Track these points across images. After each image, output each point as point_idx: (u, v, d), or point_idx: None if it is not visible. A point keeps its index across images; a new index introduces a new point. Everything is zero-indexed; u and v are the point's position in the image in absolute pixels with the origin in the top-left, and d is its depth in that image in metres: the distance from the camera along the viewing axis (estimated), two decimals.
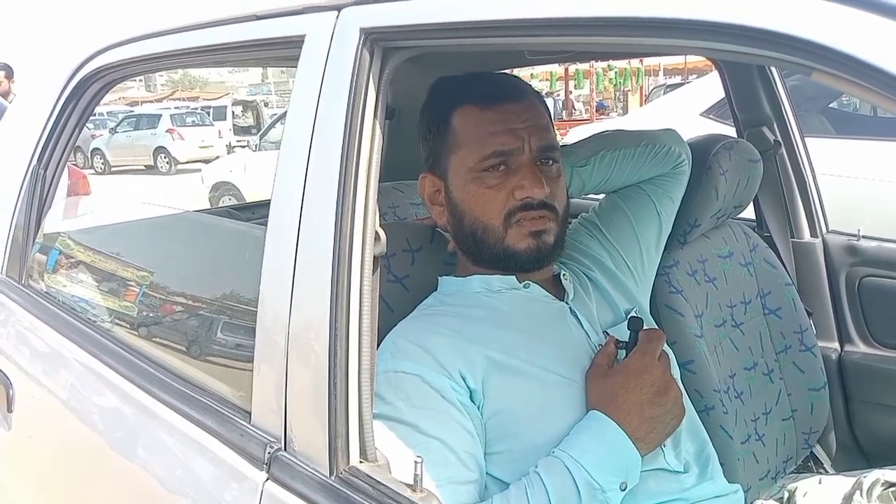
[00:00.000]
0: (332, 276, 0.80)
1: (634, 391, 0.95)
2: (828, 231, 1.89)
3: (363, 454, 0.79)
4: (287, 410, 0.83)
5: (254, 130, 16.33)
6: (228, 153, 15.99)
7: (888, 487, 1.57)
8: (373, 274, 0.84)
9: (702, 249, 1.60)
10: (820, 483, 1.68)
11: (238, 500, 0.85)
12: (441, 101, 1.13)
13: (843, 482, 1.64)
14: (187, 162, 16.83)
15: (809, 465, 1.83)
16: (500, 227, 1.06)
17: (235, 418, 0.90)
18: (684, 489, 1.03)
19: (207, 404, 0.94)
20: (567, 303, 1.12)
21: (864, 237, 1.82)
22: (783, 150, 1.82)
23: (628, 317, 1.10)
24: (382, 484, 0.75)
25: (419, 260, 1.23)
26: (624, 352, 1.03)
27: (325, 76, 0.87)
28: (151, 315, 1.25)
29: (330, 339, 0.79)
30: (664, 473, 1.03)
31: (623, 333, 1.08)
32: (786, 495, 1.61)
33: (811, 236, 1.87)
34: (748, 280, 1.71)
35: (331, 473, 0.78)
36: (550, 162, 1.09)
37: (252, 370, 0.87)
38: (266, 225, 0.92)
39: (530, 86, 1.16)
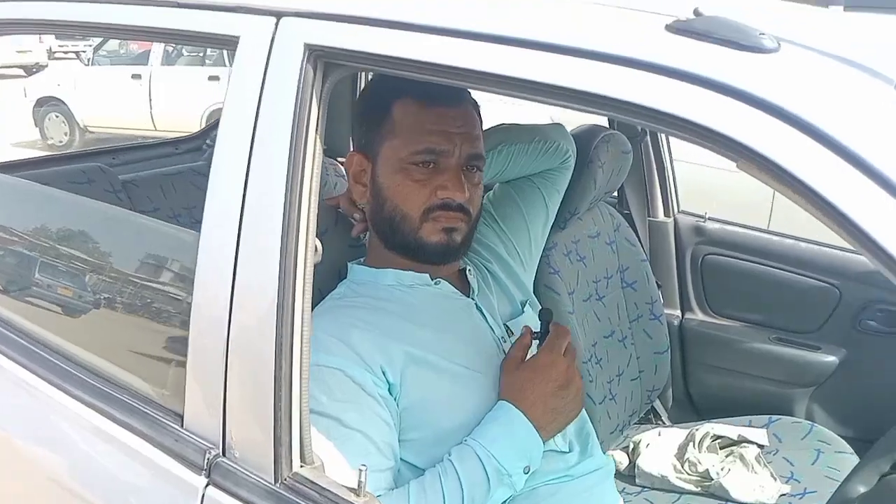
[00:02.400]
0: (279, 287, 0.82)
1: (540, 384, 1.06)
2: (678, 212, 2.11)
3: (303, 458, 0.84)
4: (226, 415, 0.85)
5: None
6: (50, 58, 14.51)
7: (715, 440, 1.84)
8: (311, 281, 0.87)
9: (575, 231, 1.74)
10: (659, 435, 1.93)
11: None
12: (384, 88, 1.16)
13: (679, 434, 1.89)
14: (2, 67, 15.07)
15: (650, 417, 2.08)
16: (418, 219, 1.12)
17: (166, 421, 0.90)
18: (569, 467, 1.17)
19: (133, 406, 0.93)
20: (473, 298, 1.21)
21: (710, 219, 2.05)
22: (648, 137, 1.99)
23: (539, 309, 1.21)
24: (327, 490, 0.81)
25: (324, 243, 1.26)
26: (538, 341, 1.13)
27: (264, 87, 0.87)
28: (69, 307, 1.19)
29: (276, 343, 0.82)
30: (553, 454, 1.16)
31: (531, 322, 1.20)
32: (631, 446, 1.83)
33: (665, 216, 2.08)
34: (611, 257, 1.88)
35: (276, 481, 0.82)
36: (475, 169, 1.16)
37: (185, 372, 0.88)
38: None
39: (469, 93, 1.21)
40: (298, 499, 0.81)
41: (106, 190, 1.77)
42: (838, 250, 1.91)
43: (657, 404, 2.08)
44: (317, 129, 0.86)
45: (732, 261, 2.03)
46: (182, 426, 0.89)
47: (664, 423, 2.07)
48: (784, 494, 1.62)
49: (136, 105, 8.04)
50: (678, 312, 2.10)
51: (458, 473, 1.00)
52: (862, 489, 1.09)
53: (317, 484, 0.81)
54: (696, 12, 0.68)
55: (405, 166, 1.11)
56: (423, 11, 0.80)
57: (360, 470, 0.81)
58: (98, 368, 1.00)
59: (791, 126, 0.62)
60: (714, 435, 1.82)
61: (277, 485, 0.82)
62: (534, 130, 1.43)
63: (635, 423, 2.01)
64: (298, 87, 0.84)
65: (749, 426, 1.87)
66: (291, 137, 0.84)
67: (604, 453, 1.51)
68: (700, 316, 2.08)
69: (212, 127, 2.75)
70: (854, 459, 1.68)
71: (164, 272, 1.05)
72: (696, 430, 1.85)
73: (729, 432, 1.83)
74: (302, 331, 0.84)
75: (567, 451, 1.19)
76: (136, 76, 8.14)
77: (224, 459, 0.85)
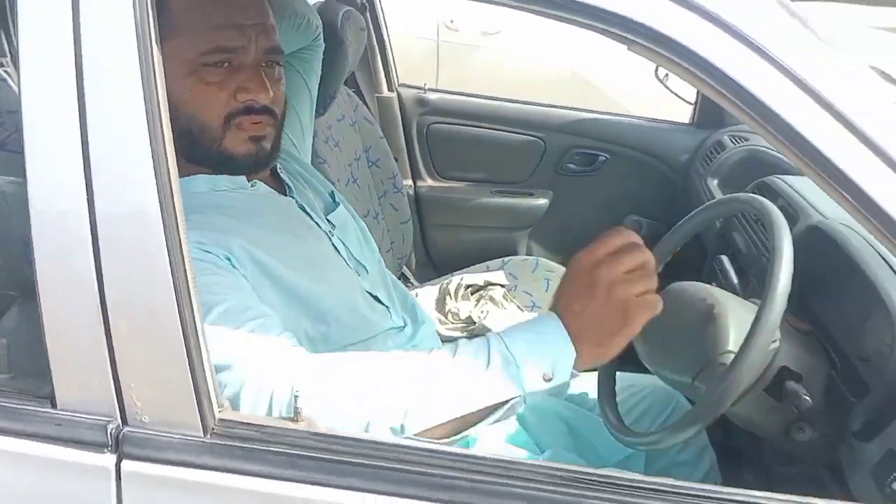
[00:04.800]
0: (160, 202, 0.70)
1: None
2: (399, 85, 2.18)
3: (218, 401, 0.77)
4: (119, 378, 0.72)
5: None
6: None
7: (467, 288, 2.06)
8: None
9: (327, 115, 1.72)
10: (417, 296, 2.09)
11: (86, 495, 0.73)
12: None
13: (432, 290, 2.07)
14: None
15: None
16: (219, 128, 1.01)
17: (31, 409, 0.73)
18: (409, 339, 1.21)
19: None
20: (293, 197, 1.15)
21: (429, 90, 2.16)
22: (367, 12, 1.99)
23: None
24: (265, 426, 0.76)
25: None
26: None
27: None
28: None
29: (172, 269, 0.70)
30: (393, 332, 1.18)
31: (348, 215, 1.19)
32: None
33: (389, 91, 2.14)
34: (355, 137, 1.91)
35: (205, 432, 0.74)
36: (275, 65, 1.06)
37: (43, 341, 0.71)
38: None
39: None
40: (237, 443, 0.75)
41: None
42: (540, 106, 2.18)
43: (405, 269, 2.23)
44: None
45: (453, 127, 2.19)
46: (55, 408, 0.74)
47: (413, 284, 2.23)
48: None
49: None
50: (410, 182, 2.23)
51: (457, 347, 0.86)
52: None
53: (251, 423, 0.76)
54: None
55: (195, 68, 0.98)
56: None
57: (295, 396, 0.78)
58: None
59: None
60: (467, 285, 2.04)
61: (208, 436, 0.75)
62: (282, 4, 1.33)
63: None
64: None
65: (488, 271, 2.11)
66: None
67: None
68: (430, 182, 2.24)
69: None
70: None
71: None
72: (447, 283, 2.04)
73: (475, 280, 2.05)
74: (187, 247, 0.74)
75: (403, 325, 1.23)
76: None
77: (130, 429, 0.74)
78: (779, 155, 1.86)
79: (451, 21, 3.77)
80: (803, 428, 1.10)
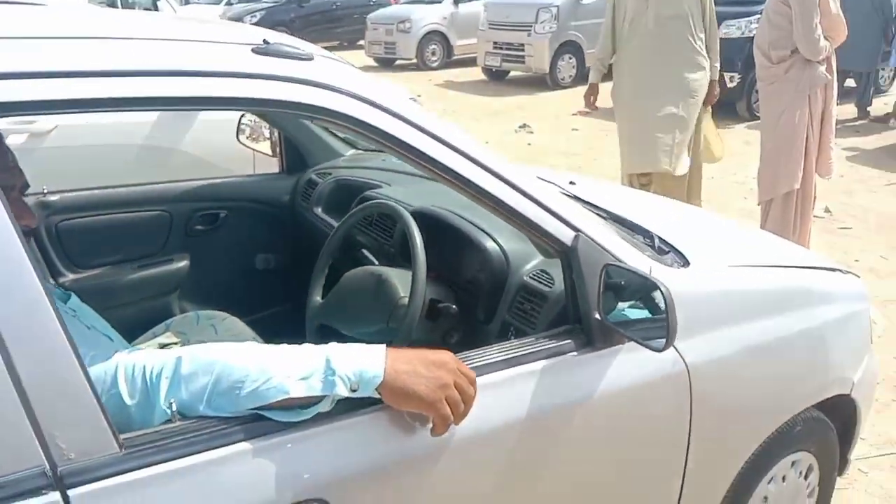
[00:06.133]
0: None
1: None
2: None
3: None
4: (40, 423, 0.89)
5: None
6: None
7: None
8: None
9: None
10: None
11: None
12: None
13: None
14: None
15: None
16: None
17: None
18: None
19: None
20: None
21: (48, 192, 2.27)
22: None
23: None
24: (159, 430, 1.02)
25: None
26: None
27: None
28: None
29: (55, 311, 0.93)
30: None
31: (76, 304, 1.42)
32: None
33: None
34: None
35: (121, 447, 0.95)
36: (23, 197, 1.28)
37: None
38: None
39: None
40: (150, 447, 1.00)
41: None
42: (160, 183, 2.46)
43: None
44: None
45: (80, 221, 2.34)
46: None
47: None
48: None
49: None
50: (53, 282, 2.30)
51: None
52: (319, 299, 1.81)
53: (147, 432, 1.02)
54: (265, 41, 1.17)
55: None
56: None
57: (171, 403, 1.06)
58: None
59: (333, 91, 1.21)
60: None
61: (122, 450, 0.98)
62: None
63: None
64: None
65: (155, 337, 2.33)
66: None
67: None
68: (72, 276, 2.34)
69: None
70: (225, 315, 2.37)
71: None
72: None
73: (149, 347, 2.26)
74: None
75: None
76: None
77: (63, 467, 0.92)
78: (359, 178, 2.51)
79: None
80: (453, 334, 1.72)
